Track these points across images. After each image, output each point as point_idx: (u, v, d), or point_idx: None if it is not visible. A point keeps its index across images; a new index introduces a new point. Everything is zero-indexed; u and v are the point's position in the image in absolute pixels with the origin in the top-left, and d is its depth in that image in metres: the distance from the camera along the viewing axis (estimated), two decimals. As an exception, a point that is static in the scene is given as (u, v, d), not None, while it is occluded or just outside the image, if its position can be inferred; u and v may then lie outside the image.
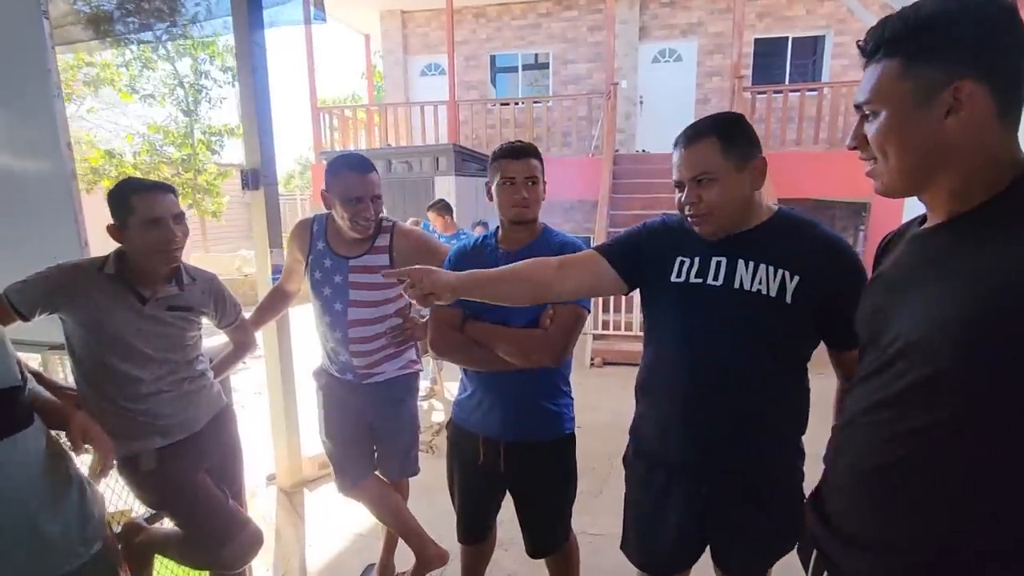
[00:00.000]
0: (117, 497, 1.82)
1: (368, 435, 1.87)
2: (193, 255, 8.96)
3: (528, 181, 1.47)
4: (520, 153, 1.48)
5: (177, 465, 1.48)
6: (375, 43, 10.20)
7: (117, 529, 1.71)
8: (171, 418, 1.48)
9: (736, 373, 1.15)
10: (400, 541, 2.00)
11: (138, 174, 8.98)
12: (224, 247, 11.86)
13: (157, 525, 1.66)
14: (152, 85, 10.16)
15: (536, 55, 9.51)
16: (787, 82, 8.30)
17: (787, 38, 8.42)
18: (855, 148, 0.81)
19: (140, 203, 1.39)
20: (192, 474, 1.50)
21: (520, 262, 1.31)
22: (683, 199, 1.17)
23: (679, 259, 1.21)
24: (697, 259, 1.19)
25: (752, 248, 1.15)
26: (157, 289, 1.47)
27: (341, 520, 2.60)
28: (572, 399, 1.65)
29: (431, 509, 2.03)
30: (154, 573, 1.74)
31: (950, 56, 0.68)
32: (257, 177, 2.53)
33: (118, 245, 1.45)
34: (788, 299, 1.10)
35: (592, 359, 5.10)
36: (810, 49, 8.51)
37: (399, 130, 8.56)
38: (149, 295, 1.45)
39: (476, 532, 1.75)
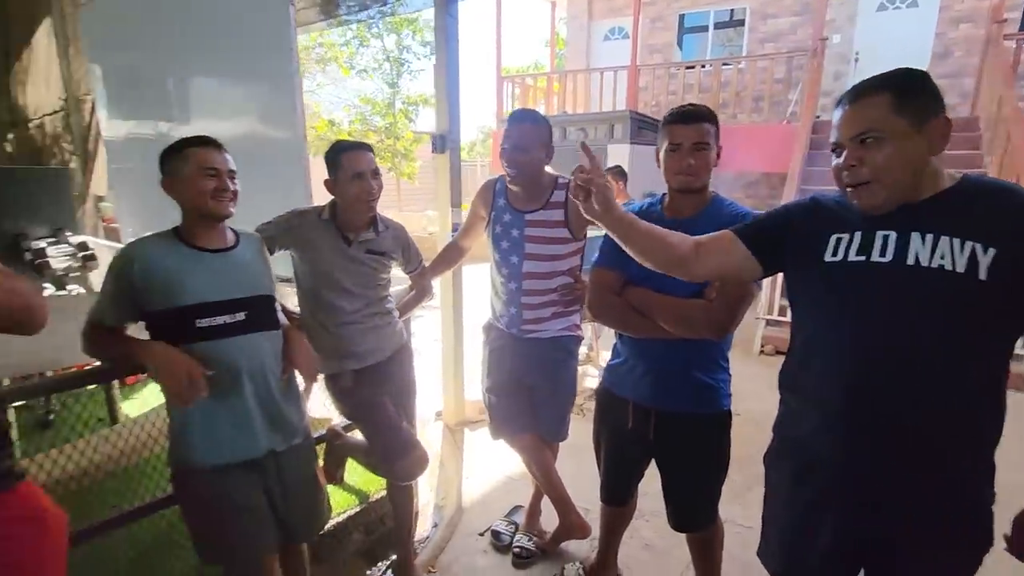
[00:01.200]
0: (322, 406, 2.22)
1: (526, 392, 1.96)
2: (389, 211, 10.16)
3: (696, 147, 1.40)
4: (689, 117, 1.41)
5: (367, 386, 1.76)
6: (560, 10, 10.23)
7: (322, 431, 2.10)
8: (363, 345, 1.76)
9: (914, 366, 0.97)
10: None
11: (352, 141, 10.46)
12: (415, 207, 13.24)
13: (350, 434, 2.00)
14: (365, 61, 11.62)
15: (731, 11, 8.69)
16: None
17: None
18: None
19: (347, 160, 1.65)
20: (377, 395, 1.78)
21: (670, 231, 1.24)
22: (840, 164, 1.01)
23: (834, 237, 1.06)
24: (857, 234, 1.03)
25: (929, 219, 0.97)
26: (359, 234, 1.73)
27: (495, 462, 2.83)
28: (730, 375, 1.57)
29: (578, 468, 2.11)
30: (345, 471, 2.11)
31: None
32: (444, 141, 2.76)
33: (332, 197, 1.73)
34: (981, 275, 0.91)
35: (763, 346, 4.70)
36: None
37: (577, 97, 8.55)
38: (352, 238, 1.71)
39: (618, 495, 1.79)
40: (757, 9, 8.30)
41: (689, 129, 1.40)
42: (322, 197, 1.84)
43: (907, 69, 1.01)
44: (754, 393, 3.34)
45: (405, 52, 11.42)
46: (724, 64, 7.65)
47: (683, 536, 1.71)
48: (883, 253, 1.00)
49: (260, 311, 1.37)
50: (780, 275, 1.28)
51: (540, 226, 1.81)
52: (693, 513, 1.64)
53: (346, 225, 1.71)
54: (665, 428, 1.55)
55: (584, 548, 2.14)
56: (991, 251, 0.91)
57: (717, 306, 1.36)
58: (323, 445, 2.11)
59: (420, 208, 12.81)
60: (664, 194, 1.55)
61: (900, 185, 0.98)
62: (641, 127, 6.39)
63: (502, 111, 8.94)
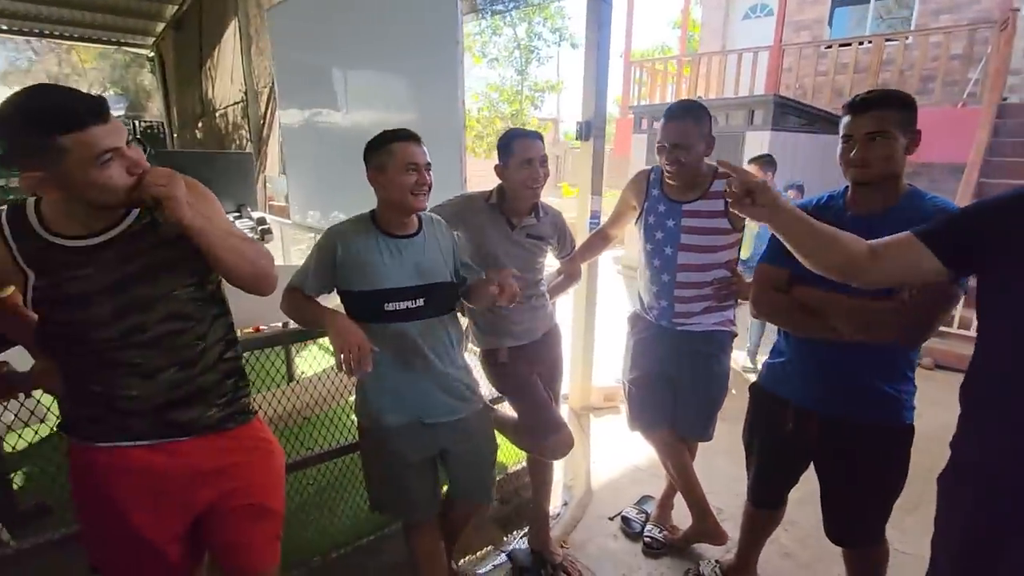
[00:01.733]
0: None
1: (669, 385, 1.94)
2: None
3: (870, 137, 1.30)
4: (861, 106, 1.31)
5: (522, 363, 1.85)
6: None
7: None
8: (520, 324, 1.85)
9: None
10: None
11: (479, 128, 10.79)
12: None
13: (498, 408, 2.12)
14: (496, 50, 11.90)
15: (899, -20, 7.73)
16: None
17: None
18: None
19: (518, 147, 1.73)
20: (531, 374, 1.86)
21: (842, 231, 1.15)
22: None
23: None
24: None
25: None
26: (522, 219, 1.81)
27: (621, 451, 2.84)
28: (915, 388, 1.45)
29: (709, 469, 2.06)
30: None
31: None
32: (590, 127, 2.78)
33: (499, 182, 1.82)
34: None
35: (921, 358, 4.22)
36: None
37: (711, 81, 8.11)
38: (516, 223, 1.80)
39: (770, 498, 1.73)
40: (933, -24, 7.30)
41: (861, 118, 1.31)
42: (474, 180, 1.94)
43: None
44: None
45: (536, 39, 11.55)
46: (888, 40, 6.83)
47: (830, 551, 1.62)
48: None
49: (437, 297, 1.50)
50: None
51: (698, 216, 1.78)
52: (857, 528, 1.55)
53: (511, 210, 1.80)
54: (834, 435, 1.47)
55: (720, 548, 2.09)
56: None
57: (912, 308, 1.26)
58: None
59: (544, 193, 12.99)
60: (847, 186, 1.45)
61: None
62: (785, 112, 5.93)
63: (628, 97, 8.73)
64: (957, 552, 1.12)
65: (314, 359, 3.23)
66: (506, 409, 2.12)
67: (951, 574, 1.14)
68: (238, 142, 6.18)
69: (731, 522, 2.11)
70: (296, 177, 4.50)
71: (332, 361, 1.39)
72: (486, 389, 2.18)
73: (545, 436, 1.80)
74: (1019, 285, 1.00)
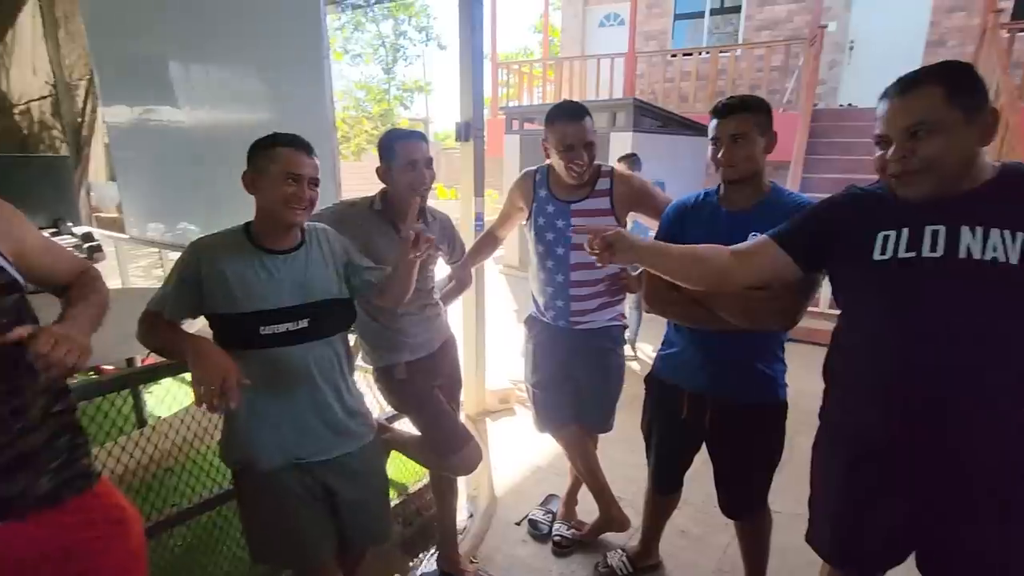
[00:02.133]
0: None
1: (571, 383, 1.96)
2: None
3: (733, 139, 1.41)
4: (724, 111, 1.42)
5: (421, 378, 1.74)
6: (553, -5, 10.14)
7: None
8: (416, 337, 1.73)
9: (971, 355, 0.99)
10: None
11: (345, 128, 10.23)
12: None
13: (395, 425, 1.98)
14: (359, 46, 11.38)
15: (724, -1, 8.70)
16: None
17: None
18: None
19: (402, 148, 1.61)
20: (431, 388, 1.75)
21: (702, 245, 1.31)
22: (889, 155, 1.02)
23: (881, 234, 1.06)
24: (905, 231, 1.03)
25: (978, 211, 0.98)
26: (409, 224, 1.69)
27: (521, 453, 2.84)
28: (786, 366, 1.58)
29: (605, 459, 2.11)
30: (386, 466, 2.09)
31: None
32: (469, 129, 2.72)
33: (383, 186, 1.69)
34: None
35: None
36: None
37: (574, 84, 8.50)
38: (403, 228, 1.68)
39: (670, 483, 1.81)
40: (754, -4, 8.31)
41: (725, 122, 1.42)
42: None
43: (955, 61, 1.04)
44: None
45: (402, 37, 11.24)
46: (722, 51, 7.66)
47: (718, 522, 1.74)
48: (933, 248, 1.01)
49: (324, 317, 1.34)
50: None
51: (587, 215, 1.80)
52: (748, 501, 1.66)
53: (397, 215, 1.68)
54: (723, 418, 1.56)
55: (622, 536, 2.16)
56: None
57: (783, 296, 1.37)
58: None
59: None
60: (720, 185, 1.55)
61: (948, 176, 1.00)
62: (643, 114, 6.37)
63: (497, 98, 8.86)
64: (834, 508, 1.24)
65: (170, 396, 2.79)
66: (405, 426, 2.00)
67: (830, 532, 1.26)
68: (48, 143, 5.20)
69: (631, 508, 2.19)
70: (130, 184, 3.88)
71: (191, 397, 1.18)
72: (379, 409, 2.04)
73: (453, 452, 1.71)
74: (858, 276, 1.12)
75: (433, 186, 1.73)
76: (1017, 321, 0.97)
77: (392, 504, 2.14)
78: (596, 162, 1.81)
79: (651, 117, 6.62)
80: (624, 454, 2.42)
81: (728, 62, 7.64)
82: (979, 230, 0.98)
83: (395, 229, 1.68)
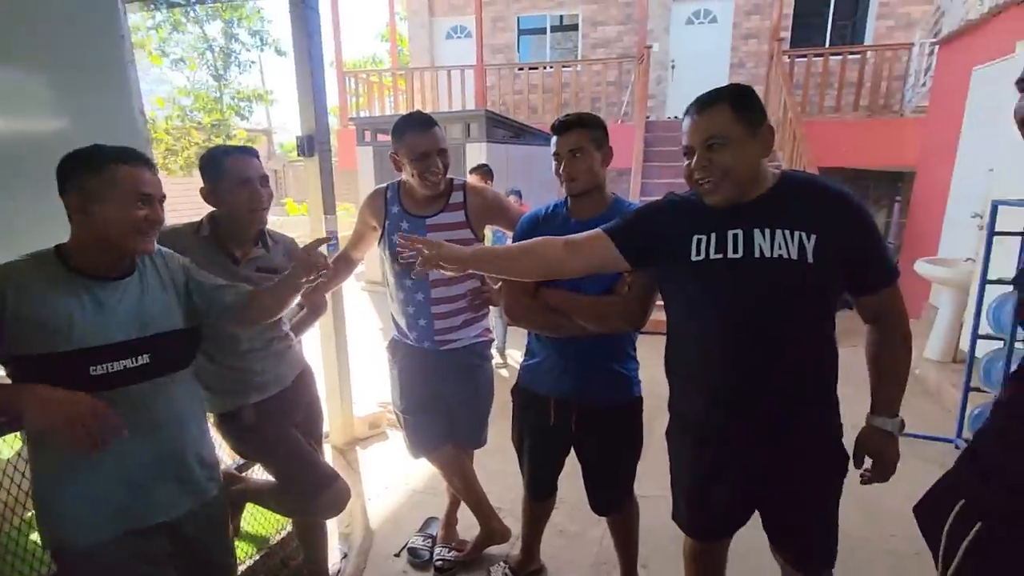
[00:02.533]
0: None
1: (442, 404, 1.91)
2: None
3: (572, 154, 1.49)
4: (563, 127, 1.50)
5: (272, 419, 1.57)
6: (398, 5, 10.00)
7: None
8: (264, 375, 1.57)
9: (774, 340, 1.17)
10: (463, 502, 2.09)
11: (170, 139, 9.07)
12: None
13: (247, 474, 1.77)
14: (182, 49, 10.15)
15: (562, 16, 9.27)
16: (827, 44, 8.00)
17: (830, -3, 8.08)
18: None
19: (232, 165, 1.45)
20: (286, 428, 1.59)
21: (531, 240, 1.40)
22: (693, 164, 1.18)
23: (695, 238, 1.21)
24: (713, 235, 1.20)
25: (765, 215, 1.16)
26: (247, 250, 1.53)
27: (395, 478, 2.72)
28: (638, 363, 1.69)
29: (480, 470, 2.11)
30: (242, 519, 1.87)
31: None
32: (313, 143, 2.56)
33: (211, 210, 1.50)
34: (809, 259, 1.12)
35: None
36: (851, 9, 8.17)
37: (425, 95, 8.47)
38: (240, 256, 1.51)
39: (544, 489, 1.84)
40: (588, 16, 8.97)
41: (564, 138, 1.50)
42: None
43: (738, 84, 1.21)
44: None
45: (233, 41, 10.20)
46: (564, 66, 8.14)
47: (590, 517, 1.82)
48: (735, 249, 1.17)
49: (168, 350, 1.16)
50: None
51: (443, 229, 1.76)
52: (616, 497, 1.75)
53: (231, 241, 1.50)
54: (587, 420, 1.62)
55: (504, 547, 2.16)
56: (812, 237, 1.12)
57: (631, 299, 1.46)
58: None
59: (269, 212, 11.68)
60: (567, 198, 1.62)
61: (741, 182, 1.15)
62: (495, 125, 6.54)
63: (347, 108, 8.52)
64: (687, 487, 1.40)
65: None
66: (257, 474, 1.80)
67: (686, 507, 1.41)
68: None
69: (511, 516, 2.20)
70: None
71: None
72: (228, 458, 1.82)
73: (317, 494, 1.57)
74: (679, 275, 1.26)
75: (282, 202, 1.58)
76: (803, 303, 1.16)
77: (251, 561, 1.93)
78: (448, 175, 1.79)
79: (503, 128, 6.81)
80: (499, 463, 2.42)
81: (571, 76, 8.15)
82: (767, 231, 1.15)
83: (231, 257, 1.50)
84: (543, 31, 9.42)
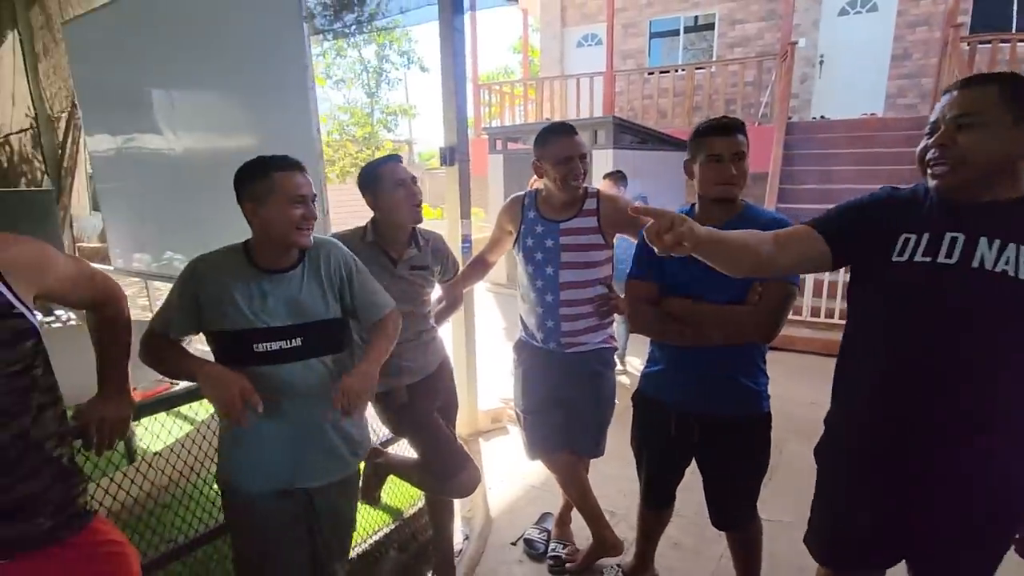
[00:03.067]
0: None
1: (563, 409, 1.93)
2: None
3: (735, 158, 1.45)
4: (727, 129, 1.47)
5: (420, 401, 1.76)
6: (531, 17, 10.34)
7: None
8: (415, 361, 1.76)
9: (971, 364, 1.02)
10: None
11: (329, 151, 10.29)
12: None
13: (390, 450, 1.99)
14: (342, 71, 11.48)
15: (696, 17, 8.94)
16: (1015, 30, 6.85)
17: (1023, -27, 6.93)
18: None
19: (386, 171, 1.68)
20: (431, 410, 1.78)
21: (742, 231, 1.21)
22: (930, 142, 1.04)
23: (904, 236, 1.07)
24: (926, 235, 1.05)
25: (1000, 223, 1.00)
26: (403, 252, 1.73)
27: (514, 472, 2.84)
28: (768, 378, 1.63)
29: (596, 475, 2.12)
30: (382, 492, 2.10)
31: None
32: (454, 154, 2.78)
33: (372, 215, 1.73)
34: None
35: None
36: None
37: (554, 103, 8.65)
38: (397, 257, 1.72)
39: (662, 499, 1.83)
40: (726, 15, 8.56)
41: (728, 140, 1.46)
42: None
43: (1017, 74, 1.04)
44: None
45: (384, 62, 11.36)
46: (697, 68, 7.86)
47: (711, 534, 1.76)
48: (949, 255, 1.02)
49: (318, 336, 1.35)
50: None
51: (575, 234, 1.83)
52: (738, 513, 1.70)
53: (390, 244, 1.71)
54: (711, 433, 1.59)
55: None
56: None
57: (763, 309, 1.41)
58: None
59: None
60: (693, 204, 1.60)
61: (983, 173, 1.00)
62: (622, 131, 6.51)
63: (480, 119, 8.97)
64: (834, 520, 1.28)
65: (161, 427, 2.76)
66: (398, 450, 2.01)
67: (831, 532, 1.30)
68: (30, 177, 5.17)
69: (624, 523, 2.21)
70: (115, 215, 3.86)
71: (182, 430, 1.20)
72: (376, 433, 2.05)
73: (452, 475, 1.72)
74: (875, 275, 1.14)
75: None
76: (1014, 329, 0.99)
77: (388, 530, 2.16)
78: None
79: (630, 134, 6.75)
80: (616, 468, 2.44)
81: (704, 78, 7.84)
82: (996, 242, 0.99)
83: (390, 259, 1.72)
84: (676, 33, 9.17)
